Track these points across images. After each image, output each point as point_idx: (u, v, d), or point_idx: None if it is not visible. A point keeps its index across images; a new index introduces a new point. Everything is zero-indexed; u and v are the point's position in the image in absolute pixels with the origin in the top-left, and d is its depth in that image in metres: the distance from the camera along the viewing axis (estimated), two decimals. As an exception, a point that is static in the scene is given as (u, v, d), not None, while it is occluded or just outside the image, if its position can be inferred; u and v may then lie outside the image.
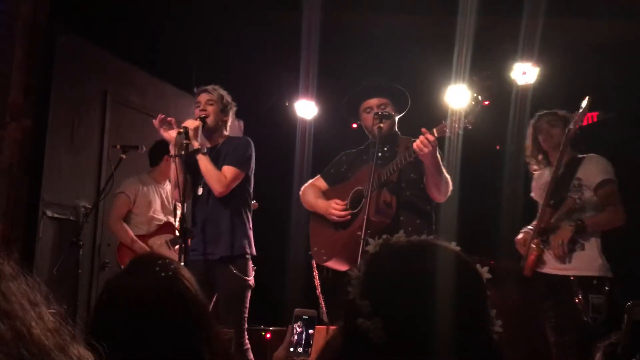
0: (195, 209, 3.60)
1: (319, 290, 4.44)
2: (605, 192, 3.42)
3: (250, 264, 3.53)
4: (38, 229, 4.29)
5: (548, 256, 3.37)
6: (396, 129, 3.44)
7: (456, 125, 3.03)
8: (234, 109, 3.69)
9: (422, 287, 0.97)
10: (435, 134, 3.03)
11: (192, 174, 3.54)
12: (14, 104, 4.15)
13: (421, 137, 3.02)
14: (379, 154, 3.34)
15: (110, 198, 4.35)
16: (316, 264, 4.27)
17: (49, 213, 4.37)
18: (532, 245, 3.39)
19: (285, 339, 1.71)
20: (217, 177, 3.44)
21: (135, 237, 4.34)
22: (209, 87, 3.60)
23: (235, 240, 3.47)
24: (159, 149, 4.34)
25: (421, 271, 0.99)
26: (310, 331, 1.68)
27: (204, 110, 3.54)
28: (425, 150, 3.00)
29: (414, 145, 3.03)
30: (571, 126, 3.50)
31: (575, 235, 3.32)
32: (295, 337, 1.69)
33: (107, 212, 4.58)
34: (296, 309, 1.73)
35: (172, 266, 1.29)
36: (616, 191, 3.45)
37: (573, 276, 3.29)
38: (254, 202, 4.48)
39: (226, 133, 3.66)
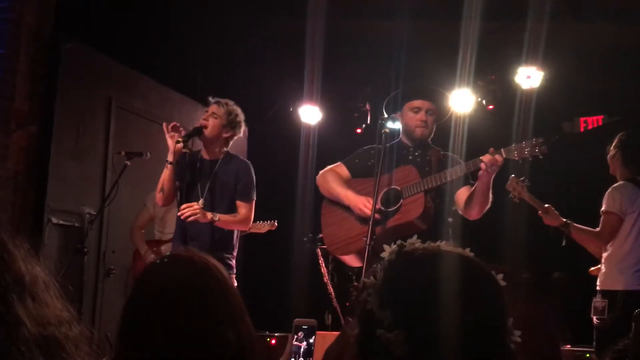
0: (187, 222, 3.51)
1: (326, 278, 4.41)
2: (602, 219, 3.68)
3: (233, 277, 3.61)
4: (43, 236, 4.29)
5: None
6: (429, 139, 3.43)
7: (527, 152, 2.98)
8: (242, 127, 3.68)
9: (443, 296, 0.94)
10: (504, 155, 3.00)
11: (191, 183, 3.58)
12: (19, 112, 4.17)
13: (489, 157, 2.98)
14: (410, 158, 3.33)
15: (115, 205, 4.36)
16: (322, 254, 4.23)
17: (54, 220, 4.38)
18: None
19: (285, 350, 1.70)
20: (241, 223, 3.60)
21: (145, 250, 4.48)
22: (222, 101, 3.61)
23: (218, 256, 3.47)
24: None
25: (442, 280, 0.96)
26: (311, 340, 1.67)
27: (205, 120, 3.58)
28: (492, 169, 2.98)
29: (483, 162, 2.97)
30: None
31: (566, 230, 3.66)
32: (296, 347, 1.68)
33: (116, 220, 4.73)
34: (295, 319, 1.72)
35: (206, 263, 1.32)
36: (607, 222, 3.65)
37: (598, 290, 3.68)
38: (274, 222, 4.68)
39: (226, 149, 3.67)
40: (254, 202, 3.65)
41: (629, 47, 5.27)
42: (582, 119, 5.65)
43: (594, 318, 3.59)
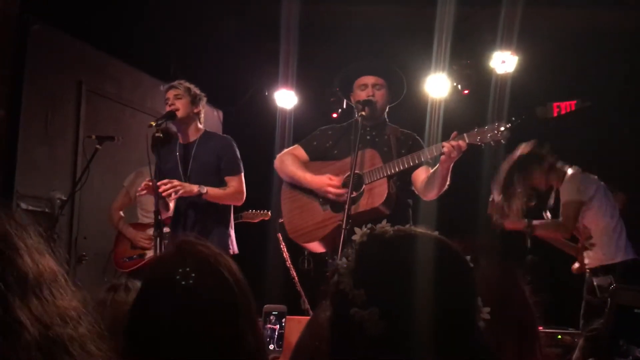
0: (177, 207, 3.56)
1: (289, 262, 4.39)
2: (564, 210, 3.75)
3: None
4: (12, 222, 4.20)
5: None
6: (385, 116, 3.39)
7: (488, 136, 2.95)
8: (204, 99, 3.73)
9: (414, 276, 0.96)
10: (467, 140, 2.96)
11: (172, 169, 3.58)
12: (-14, 95, 4.06)
13: (453, 142, 2.94)
14: (368, 138, 3.30)
15: (86, 190, 4.29)
16: (283, 238, 4.21)
17: (23, 205, 4.29)
18: None
19: None
20: (233, 196, 3.58)
21: (134, 233, 4.40)
22: (175, 83, 3.66)
23: (215, 240, 3.46)
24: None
25: (414, 260, 0.98)
26: (282, 324, 1.67)
27: (172, 104, 3.59)
28: (454, 155, 2.95)
29: (445, 148, 2.94)
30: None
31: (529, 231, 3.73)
32: (270, 332, 1.67)
33: (87, 205, 4.65)
34: (265, 306, 1.71)
35: (217, 257, 1.23)
36: (569, 210, 3.72)
37: (588, 269, 3.74)
38: (267, 212, 4.69)
39: (200, 126, 3.69)
40: (242, 174, 3.65)
41: (602, 33, 5.32)
42: (556, 104, 5.70)
43: (587, 295, 3.66)
